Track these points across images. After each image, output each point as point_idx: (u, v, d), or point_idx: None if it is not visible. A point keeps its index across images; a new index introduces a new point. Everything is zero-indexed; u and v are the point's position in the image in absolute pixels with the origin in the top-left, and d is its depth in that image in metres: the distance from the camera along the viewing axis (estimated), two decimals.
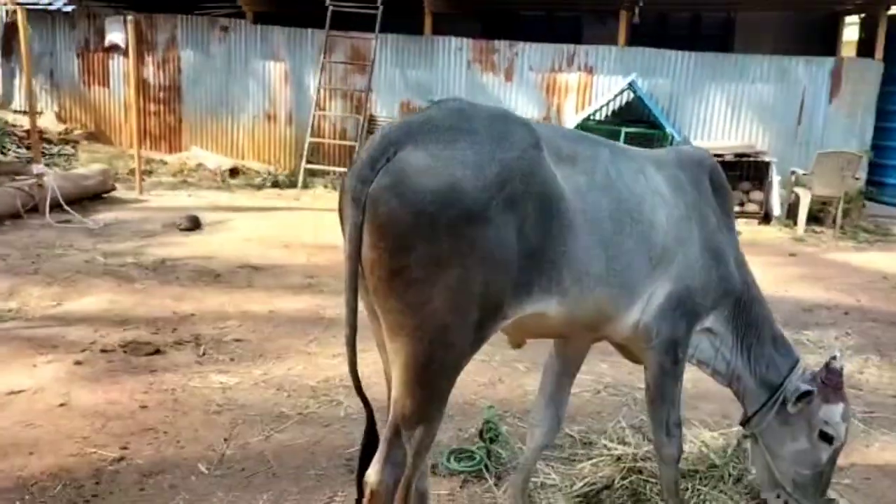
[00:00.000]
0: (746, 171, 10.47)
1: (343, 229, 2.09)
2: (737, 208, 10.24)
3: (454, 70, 11.65)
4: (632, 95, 10.59)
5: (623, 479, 3.13)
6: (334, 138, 11.82)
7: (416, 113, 2.18)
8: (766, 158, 10.31)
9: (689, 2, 12.91)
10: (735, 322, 2.73)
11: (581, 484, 3.13)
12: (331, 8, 10.95)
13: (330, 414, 3.84)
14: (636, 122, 10.48)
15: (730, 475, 3.09)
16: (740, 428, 3.00)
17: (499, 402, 3.99)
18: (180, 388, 4.01)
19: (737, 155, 10.32)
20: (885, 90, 10.69)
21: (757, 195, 10.37)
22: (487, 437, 3.38)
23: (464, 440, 3.57)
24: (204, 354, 4.52)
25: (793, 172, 10.17)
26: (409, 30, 11.63)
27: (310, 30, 11.77)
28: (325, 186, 11.04)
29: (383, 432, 2.22)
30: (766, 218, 10.25)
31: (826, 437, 2.62)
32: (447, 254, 1.96)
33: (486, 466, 3.30)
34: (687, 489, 3.03)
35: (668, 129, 10.19)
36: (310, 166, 11.20)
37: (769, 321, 2.80)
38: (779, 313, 5.56)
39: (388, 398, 2.23)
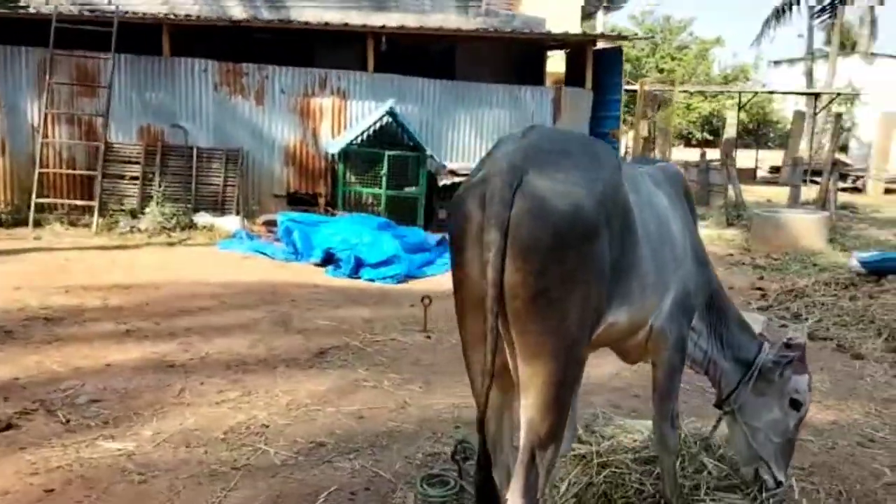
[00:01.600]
0: None
1: (465, 258, 2.04)
2: None
3: (199, 92, 11.01)
4: (388, 120, 10.95)
5: (598, 475, 3.31)
6: (61, 167, 10.45)
7: (511, 138, 2.20)
8: None
9: (417, 34, 13.69)
10: (708, 314, 3.09)
11: (565, 487, 3.26)
12: (54, 25, 9.69)
13: (266, 463, 3.50)
14: (395, 146, 10.86)
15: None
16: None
17: (466, 423, 4.00)
18: (75, 461, 3.34)
19: None
20: (595, 115, 12.40)
21: None
22: (459, 457, 3.35)
23: (429, 462, 3.51)
24: (69, 422, 3.80)
25: None
26: (146, 50, 10.75)
27: (24, 48, 10.29)
28: (62, 222, 9.71)
29: (513, 459, 2.17)
30: None
31: (795, 405, 3.07)
32: (577, 270, 2.05)
33: (462, 488, 3.28)
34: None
35: (429, 152, 10.73)
36: (41, 200, 9.76)
37: (732, 309, 3.21)
38: None
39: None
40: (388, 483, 3.35)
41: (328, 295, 6.87)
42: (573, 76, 13.11)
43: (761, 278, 8.48)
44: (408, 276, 7.75)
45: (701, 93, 29.09)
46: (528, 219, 1.96)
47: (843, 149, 31.89)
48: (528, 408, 2.09)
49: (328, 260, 8.10)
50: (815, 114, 22.64)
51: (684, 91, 20.98)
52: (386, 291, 7.20)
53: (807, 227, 9.88)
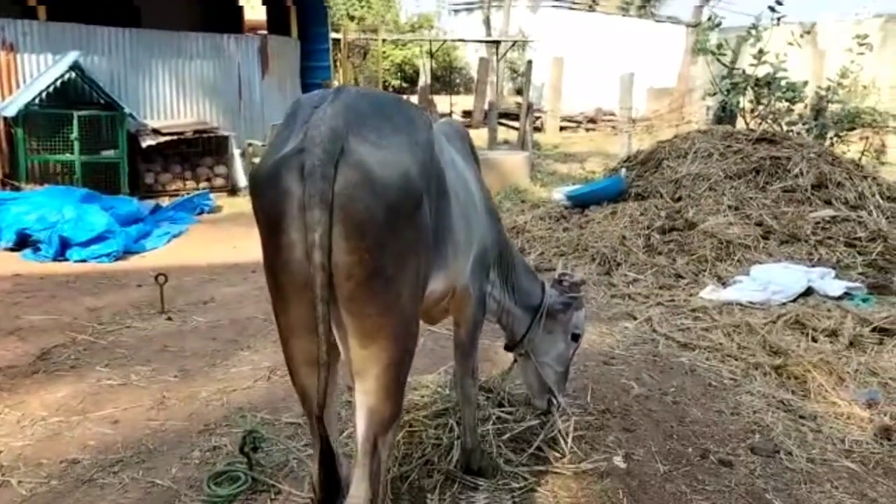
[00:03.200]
0: (206, 146, 10.70)
1: (284, 240, 1.81)
2: (205, 183, 10.46)
3: None
4: (73, 75, 9.61)
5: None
6: None
7: (320, 98, 1.97)
8: (224, 133, 10.70)
9: None
10: (500, 265, 3.15)
11: None
12: None
13: (9, 497, 2.92)
14: (84, 105, 9.60)
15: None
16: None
17: (239, 409, 3.67)
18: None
19: (196, 132, 10.44)
20: (304, 66, 12.10)
21: (221, 169, 10.71)
22: (248, 449, 3.10)
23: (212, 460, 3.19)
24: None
25: (249, 145, 10.80)
26: None
27: None
28: None
29: (354, 448, 2.01)
30: (232, 190, 10.70)
31: (576, 338, 3.29)
32: (410, 243, 1.94)
33: (254, 479, 3.05)
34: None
35: (126, 110, 9.65)
36: None
37: (518, 256, 3.30)
38: None
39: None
40: (168, 492, 2.99)
41: (35, 284, 5.92)
42: (276, 26, 12.60)
43: None
44: (126, 252, 6.97)
45: (396, 41, 29.82)
46: (358, 192, 1.78)
47: (519, 91, 35.16)
48: (366, 393, 1.95)
49: (23, 243, 6.98)
50: (499, 60, 24.41)
51: (385, 40, 21.35)
52: (104, 272, 6.40)
53: (513, 166, 10.69)
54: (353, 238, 1.77)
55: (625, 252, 6.41)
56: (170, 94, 10.86)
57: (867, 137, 7.90)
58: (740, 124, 8.94)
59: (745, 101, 8.70)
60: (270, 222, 1.82)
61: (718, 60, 8.85)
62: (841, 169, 6.91)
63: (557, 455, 3.23)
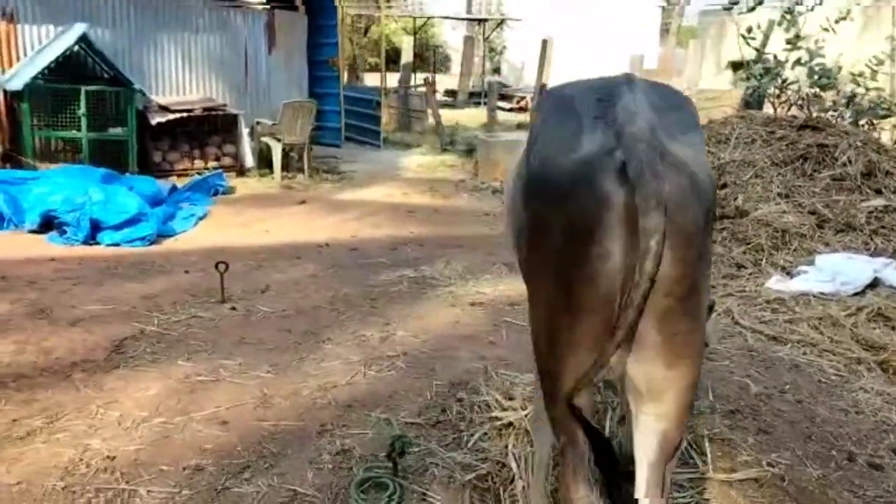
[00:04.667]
0: (214, 125, 10.33)
1: (598, 251, 1.63)
2: (214, 163, 10.12)
3: None
4: (78, 49, 9.16)
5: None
6: None
7: (604, 89, 1.79)
8: (233, 111, 10.34)
9: None
10: None
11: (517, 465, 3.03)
12: None
13: None
14: (90, 80, 9.16)
15: None
16: None
17: (345, 407, 3.48)
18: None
19: (205, 109, 10.07)
20: (311, 42, 11.74)
21: (230, 148, 10.37)
22: (396, 454, 2.93)
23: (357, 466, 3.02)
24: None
25: (258, 123, 10.46)
26: None
27: None
28: None
29: (645, 474, 1.84)
30: (241, 170, 10.36)
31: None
32: (711, 254, 1.82)
33: (400, 486, 2.88)
34: None
35: (137, 86, 9.25)
36: None
37: None
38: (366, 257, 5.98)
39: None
40: (313, 500, 2.82)
41: (77, 270, 5.61)
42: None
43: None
44: (158, 236, 6.67)
45: (397, 17, 29.26)
46: (687, 198, 1.61)
47: (497, 71, 34.97)
48: (662, 418, 1.78)
49: (48, 225, 6.64)
50: (486, 38, 24.18)
51: (388, 15, 20.91)
52: (142, 257, 6.11)
53: None
54: (680, 249, 1.60)
55: None
56: (175, 68, 10.45)
57: None
58: (767, 110, 8.89)
59: (763, 87, 8.65)
60: (577, 232, 1.63)
61: (748, 44, 8.77)
62: (888, 157, 6.90)
63: (705, 459, 3.12)
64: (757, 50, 8.83)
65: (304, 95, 11.55)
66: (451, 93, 25.64)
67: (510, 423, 3.18)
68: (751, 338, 4.60)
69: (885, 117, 7.90)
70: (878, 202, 6.45)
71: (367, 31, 16.34)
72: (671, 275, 1.61)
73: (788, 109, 8.57)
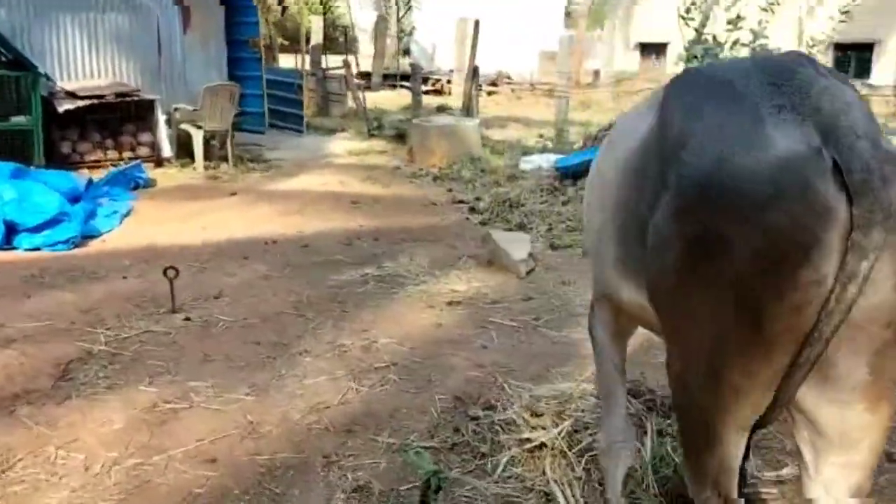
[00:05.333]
0: (127, 111, 9.54)
1: (808, 274, 1.32)
2: (129, 153, 9.38)
3: None
4: None
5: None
6: None
7: (781, 66, 1.49)
8: (149, 97, 9.57)
9: None
10: None
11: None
12: None
13: None
14: None
15: None
16: None
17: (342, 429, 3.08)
18: None
19: (118, 95, 9.26)
20: (230, 21, 11.01)
21: (146, 137, 9.60)
22: (432, 492, 2.58)
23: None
24: None
25: (176, 109, 9.72)
26: None
27: None
28: None
29: None
30: (158, 161, 9.62)
31: None
32: None
33: None
34: None
35: (41, 70, 8.38)
36: None
37: None
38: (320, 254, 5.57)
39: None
40: None
41: None
42: None
43: (450, 190, 8.57)
44: (83, 237, 6.01)
45: None
46: None
47: (406, 52, 34.45)
48: (855, 468, 1.51)
49: None
50: (399, 19, 23.68)
51: None
52: (70, 263, 5.46)
53: (466, 134, 10.24)
54: None
55: None
56: (81, 51, 9.56)
57: None
58: None
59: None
60: (782, 253, 1.32)
61: (687, 24, 8.76)
62: None
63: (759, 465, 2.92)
64: (696, 30, 8.82)
65: (224, 78, 10.84)
66: (364, 75, 25.00)
67: (542, 445, 2.88)
68: None
69: None
70: None
71: (284, 9, 15.57)
72: (892, 302, 1.33)
73: None
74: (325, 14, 26.09)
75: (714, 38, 8.60)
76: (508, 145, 11.39)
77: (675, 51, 27.23)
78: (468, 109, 11.83)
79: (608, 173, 1.98)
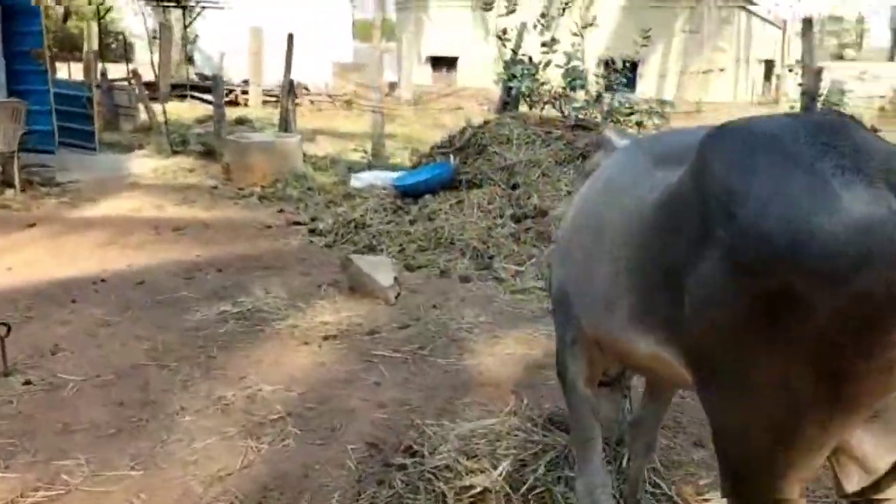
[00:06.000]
0: None
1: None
2: None
3: None
4: None
5: None
6: None
7: (824, 125, 1.50)
8: None
9: None
10: None
11: None
12: None
13: None
14: None
15: None
16: None
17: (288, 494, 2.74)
18: None
19: None
20: (8, 30, 9.73)
21: None
22: None
23: None
24: None
25: None
26: None
27: None
28: None
29: None
30: None
31: None
32: None
33: None
34: None
35: None
36: None
37: None
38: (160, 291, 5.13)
39: None
40: None
41: None
42: None
43: (282, 211, 8.20)
44: None
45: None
46: None
47: (190, 60, 32.71)
48: None
49: None
50: (187, 26, 22.37)
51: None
52: None
53: (288, 151, 9.86)
54: None
55: (495, 244, 6.30)
56: None
57: (641, 123, 8.75)
58: (523, 109, 9.30)
59: (524, 87, 9.03)
60: (871, 316, 1.31)
61: (504, 45, 9.08)
62: None
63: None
64: (513, 51, 9.17)
65: (4, 95, 9.56)
66: (149, 85, 23.31)
67: (485, 490, 2.78)
68: None
69: (629, 115, 8.67)
70: None
71: (67, 16, 14.03)
72: None
73: (542, 108, 9.06)
74: (100, 19, 24.02)
75: (531, 59, 9.00)
76: (331, 161, 11.14)
77: (466, 65, 28.51)
78: (286, 124, 11.40)
79: (614, 221, 1.93)
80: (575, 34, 8.69)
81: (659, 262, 1.70)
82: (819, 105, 7.86)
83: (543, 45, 8.77)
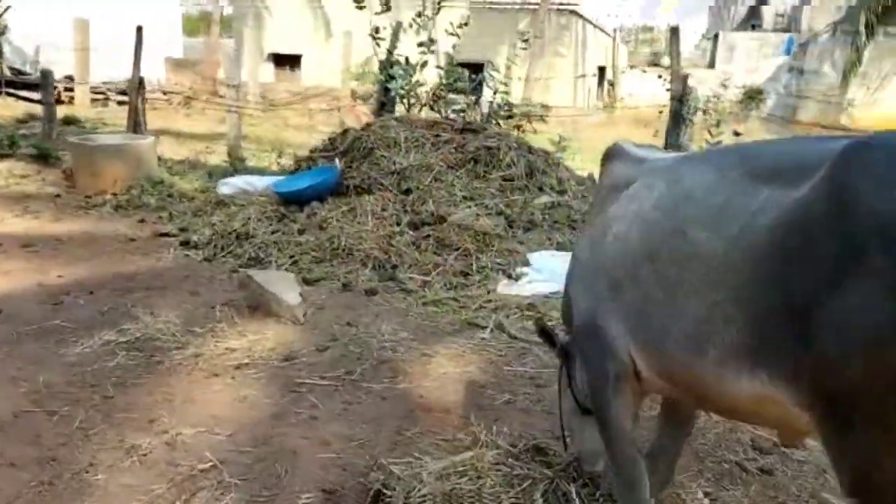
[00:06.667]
0: None
1: None
2: None
3: None
4: None
5: None
6: None
7: None
8: None
9: None
10: None
11: None
12: None
13: None
14: None
15: None
16: None
17: None
18: None
19: None
20: None
21: None
22: None
23: None
24: None
25: None
26: None
27: None
28: None
29: None
30: None
31: None
32: None
33: None
34: None
35: None
36: None
37: None
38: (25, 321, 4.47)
39: None
40: None
41: None
42: None
43: (143, 221, 7.43)
44: None
45: None
46: None
47: None
48: None
49: None
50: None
51: None
52: None
53: (141, 154, 8.95)
54: None
55: (396, 253, 6.00)
56: None
57: (520, 126, 8.76)
58: (400, 109, 9.04)
59: (402, 88, 8.79)
60: None
61: (378, 45, 8.77)
62: (538, 157, 7.57)
63: None
64: (389, 51, 8.89)
65: None
66: None
67: None
68: (540, 351, 4.54)
69: (509, 118, 8.66)
70: (545, 199, 7.04)
71: None
72: None
73: (420, 110, 8.86)
74: None
75: (407, 59, 8.76)
76: (189, 165, 10.30)
77: (311, 63, 27.76)
78: (136, 125, 10.39)
79: (707, 247, 1.71)
80: (451, 34, 8.54)
81: (778, 293, 1.52)
82: (686, 109, 8.20)
83: (420, 45, 8.57)
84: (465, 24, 8.66)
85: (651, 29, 69.37)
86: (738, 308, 1.64)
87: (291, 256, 6.07)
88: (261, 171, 9.51)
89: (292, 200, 6.95)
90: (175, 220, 7.40)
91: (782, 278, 1.52)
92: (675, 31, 8.81)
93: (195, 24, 44.66)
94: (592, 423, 2.71)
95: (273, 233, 6.50)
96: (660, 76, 14.70)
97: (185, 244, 6.56)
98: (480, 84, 8.53)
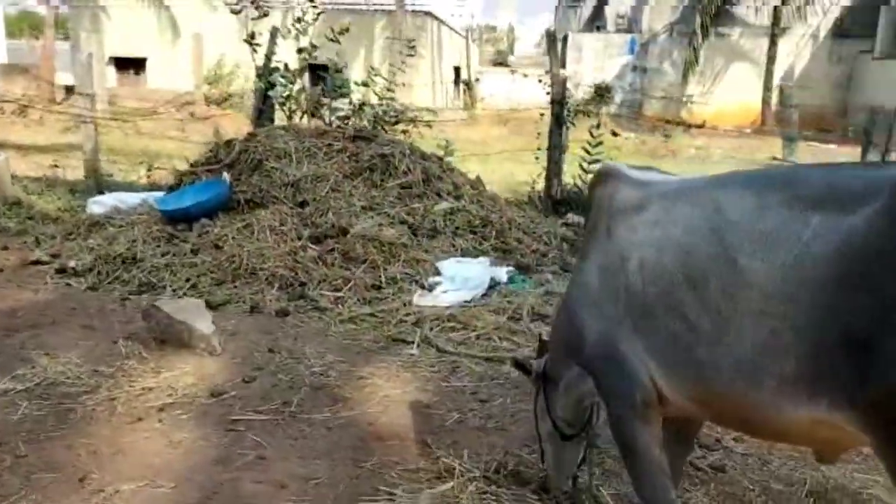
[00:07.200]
0: None
1: None
2: None
3: None
4: None
5: None
6: None
7: None
8: None
9: None
10: None
11: None
12: None
13: None
14: None
15: None
16: None
17: None
18: None
19: None
20: None
21: None
22: None
23: None
24: None
25: None
26: None
27: None
28: None
29: None
30: None
31: None
32: None
33: None
34: None
35: None
36: None
37: None
38: None
39: None
40: None
41: None
42: None
43: (6, 249, 6.71)
44: None
45: None
46: None
47: None
48: None
49: None
50: None
51: None
52: None
53: None
54: None
55: (303, 269, 5.77)
56: None
57: (406, 131, 8.68)
58: (280, 116, 8.72)
59: (278, 94, 8.48)
60: None
61: (255, 50, 8.40)
62: (432, 163, 7.52)
63: None
64: (267, 56, 8.54)
65: None
66: None
67: None
68: (472, 364, 4.51)
69: (395, 123, 8.57)
70: (445, 205, 7.02)
71: None
72: None
73: (301, 117, 8.60)
74: None
75: (286, 65, 8.47)
76: (47, 182, 9.43)
77: (156, 67, 26.30)
78: None
79: (757, 275, 1.70)
80: (331, 40, 8.33)
81: (838, 323, 1.55)
82: (566, 111, 8.44)
83: (300, 50, 8.30)
84: (346, 31, 8.48)
85: (494, 28, 71.42)
86: (797, 337, 1.65)
87: (188, 280, 5.69)
88: (130, 187, 8.87)
89: (178, 218, 6.50)
90: (43, 246, 6.74)
91: (842, 308, 1.55)
92: (551, 37, 9.04)
93: (15, 25, 41.18)
94: (569, 447, 2.71)
95: (163, 255, 6.06)
96: (525, 75, 15.14)
97: (62, 272, 5.99)
98: (341, 86, 8.33)
